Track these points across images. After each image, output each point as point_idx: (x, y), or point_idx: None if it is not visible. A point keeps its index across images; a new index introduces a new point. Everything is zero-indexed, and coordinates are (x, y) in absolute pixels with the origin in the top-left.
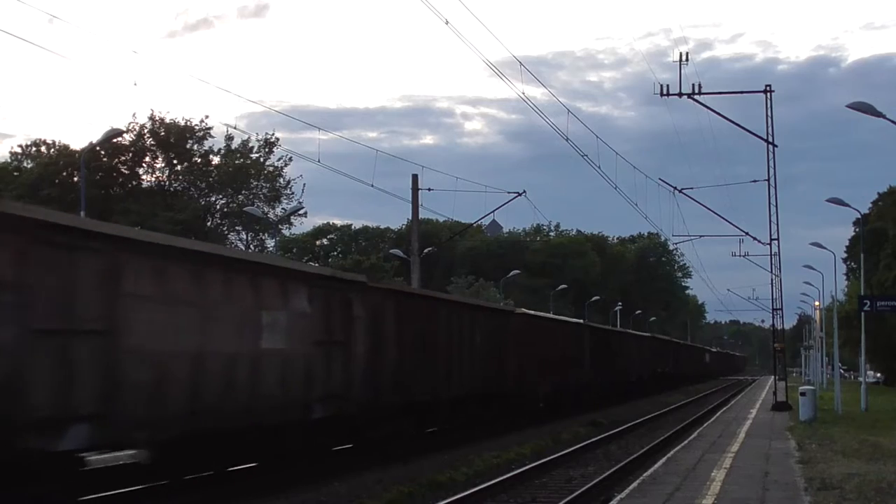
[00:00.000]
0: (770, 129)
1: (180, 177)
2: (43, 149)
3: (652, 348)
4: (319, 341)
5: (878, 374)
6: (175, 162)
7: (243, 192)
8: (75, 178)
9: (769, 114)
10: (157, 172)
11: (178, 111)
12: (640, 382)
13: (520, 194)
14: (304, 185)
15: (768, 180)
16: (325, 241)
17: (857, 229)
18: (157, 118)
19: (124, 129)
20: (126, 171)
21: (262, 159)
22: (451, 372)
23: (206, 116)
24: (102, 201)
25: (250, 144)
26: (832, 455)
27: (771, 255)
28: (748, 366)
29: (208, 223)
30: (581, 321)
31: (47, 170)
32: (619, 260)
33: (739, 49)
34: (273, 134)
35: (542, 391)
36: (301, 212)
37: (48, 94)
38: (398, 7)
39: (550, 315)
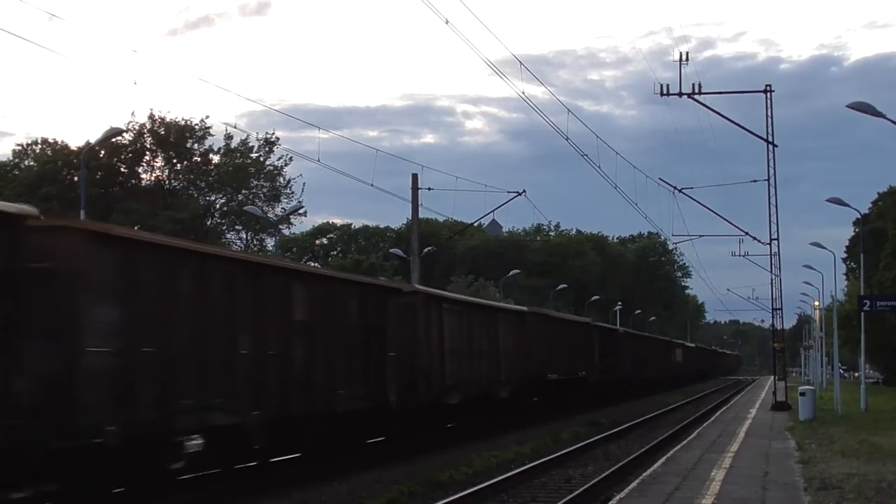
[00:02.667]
0: (770, 128)
1: (180, 176)
2: (45, 147)
3: (561, 338)
4: None
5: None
6: (175, 161)
7: (243, 191)
8: (75, 178)
9: (769, 113)
10: (157, 171)
11: (177, 110)
12: (521, 400)
13: (520, 194)
14: (304, 184)
15: (768, 180)
16: (324, 240)
17: (858, 229)
18: (157, 117)
19: (124, 128)
20: (125, 171)
21: (261, 158)
22: None
23: (207, 116)
24: (102, 200)
25: (250, 143)
26: (832, 455)
27: (771, 254)
28: (747, 365)
29: (208, 222)
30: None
31: (47, 168)
32: (619, 260)
33: (741, 48)
34: (273, 133)
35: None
36: (301, 211)
37: (48, 93)
38: (398, 6)
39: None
